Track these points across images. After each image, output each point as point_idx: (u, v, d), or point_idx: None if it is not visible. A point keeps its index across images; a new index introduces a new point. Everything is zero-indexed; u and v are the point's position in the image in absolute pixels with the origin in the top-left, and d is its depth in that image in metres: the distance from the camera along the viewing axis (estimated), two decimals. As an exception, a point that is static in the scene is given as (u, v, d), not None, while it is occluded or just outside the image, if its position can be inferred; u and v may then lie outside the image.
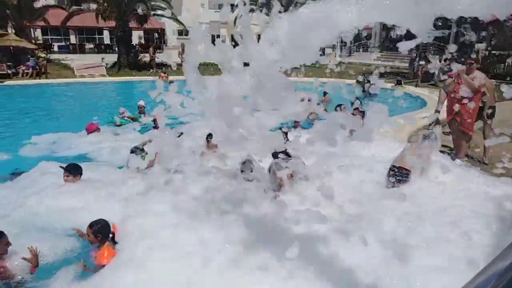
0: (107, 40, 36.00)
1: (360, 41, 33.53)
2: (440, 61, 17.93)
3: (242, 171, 4.72)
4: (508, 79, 16.31)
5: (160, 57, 23.14)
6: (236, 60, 2.92)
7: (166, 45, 35.76)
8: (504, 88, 4.08)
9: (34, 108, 12.32)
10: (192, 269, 3.31)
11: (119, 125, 9.37)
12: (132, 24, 23.32)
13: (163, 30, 37.15)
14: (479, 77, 6.19)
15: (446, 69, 9.74)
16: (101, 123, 8.81)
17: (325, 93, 13.05)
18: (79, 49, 31.98)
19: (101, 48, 33.27)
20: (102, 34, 36.50)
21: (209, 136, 6.29)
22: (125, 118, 9.78)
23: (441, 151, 5.63)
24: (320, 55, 2.62)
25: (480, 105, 6.56)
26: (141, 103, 10.31)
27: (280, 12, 2.70)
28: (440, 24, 2.00)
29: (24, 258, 3.48)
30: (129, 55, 22.72)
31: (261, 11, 27.12)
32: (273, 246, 3.47)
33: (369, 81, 14.36)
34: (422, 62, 18.59)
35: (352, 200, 4.49)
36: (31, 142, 7.79)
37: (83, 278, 3.39)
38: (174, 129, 4.35)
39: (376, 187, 4.94)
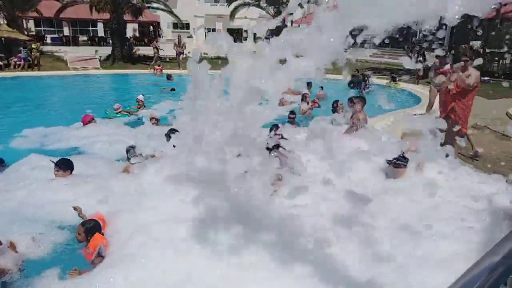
0: (101, 33, 35.65)
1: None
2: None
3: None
4: (502, 77, 16.41)
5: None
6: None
7: (161, 38, 35.47)
8: (506, 84, 4.11)
9: (26, 101, 12.16)
10: (187, 267, 3.28)
11: (111, 118, 9.31)
12: (127, 16, 23.08)
13: (158, 23, 36.87)
14: (474, 75, 6.21)
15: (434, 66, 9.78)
16: (95, 117, 8.74)
17: (320, 87, 13.05)
18: (73, 41, 31.64)
19: (95, 41, 32.95)
20: (96, 26, 36.13)
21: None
22: (123, 112, 9.71)
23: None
24: None
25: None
26: (140, 97, 10.32)
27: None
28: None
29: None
30: (123, 48, 22.50)
31: (258, 6, 27.10)
32: (270, 242, 3.46)
33: (364, 76, 14.38)
34: (420, 59, 18.62)
35: (346, 196, 4.50)
36: (22, 135, 7.70)
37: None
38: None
39: (370, 183, 4.95)
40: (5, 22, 21.74)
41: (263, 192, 4.44)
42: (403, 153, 5.12)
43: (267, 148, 4.91)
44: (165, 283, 3.15)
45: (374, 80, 15.75)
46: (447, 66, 9.08)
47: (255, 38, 2.86)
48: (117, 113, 9.62)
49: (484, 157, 6.54)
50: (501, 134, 8.02)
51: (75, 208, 4.03)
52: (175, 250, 3.45)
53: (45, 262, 3.60)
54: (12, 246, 3.53)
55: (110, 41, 24.19)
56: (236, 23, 33.67)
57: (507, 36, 18.29)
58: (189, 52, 22.29)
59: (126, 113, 9.80)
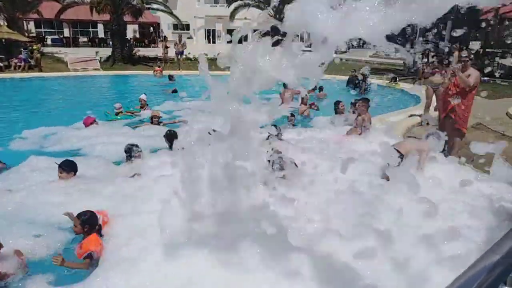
0: (101, 34, 35.67)
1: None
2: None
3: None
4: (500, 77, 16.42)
5: (155, 51, 23.02)
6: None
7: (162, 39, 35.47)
8: None
9: (26, 102, 12.17)
10: (188, 271, 3.25)
11: (111, 121, 9.32)
12: (127, 17, 23.11)
13: (158, 24, 36.89)
14: (474, 74, 6.22)
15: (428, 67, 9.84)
16: (96, 118, 8.74)
17: (320, 88, 13.05)
18: (73, 42, 31.65)
19: (95, 42, 32.97)
20: (96, 27, 36.15)
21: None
22: (125, 114, 9.72)
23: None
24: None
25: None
26: (143, 97, 10.28)
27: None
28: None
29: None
30: (124, 49, 22.51)
31: (258, 7, 27.08)
32: (271, 245, 3.42)
33: (363, 76, 14.39)
34: (425, 60, 18.60)
35: (347, 196, 4.50)
36: (22, 136, 7.70)
37: (71, 279, 3.33)
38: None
39: (371, 183, 4.96)
40: (6, 23, 21.76)
41: (264, 194, 4.43)
42: (397, 150, 5.14)
43: (268, 161, 4.86)
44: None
45: (373, 80, 15.77)
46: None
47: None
48: (117, 114, 9.61)
49: (484, 157, 6.54)
50: (501, 134, 8.03)
51: (67, 214, 3.98)
52: (176, 254, 3.42)
53: (44, 264, 3.58)
54: (18, 252, 3.49)
55: (111, 42, 24.20)
56: (236, 24, 33.70)
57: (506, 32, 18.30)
58: (189, 53, 22.36)
59: (128, 114, 9.80)
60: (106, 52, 23.49)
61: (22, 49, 19.05)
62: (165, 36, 21.97)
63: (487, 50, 18.71)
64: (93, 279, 3.24)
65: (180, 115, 9.92)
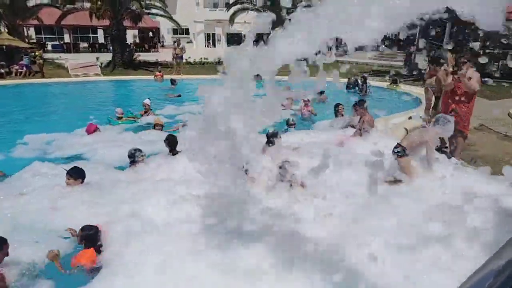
0: (101, 39, 35.82)
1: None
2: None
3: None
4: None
5: (155, 56, 23.03)
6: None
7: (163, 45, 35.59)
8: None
9: (28, 108, 12.19)
10: (190, 275, 3.24)
11: (114, 125, 9.32)
12: (127, 23, 23.18)
13: (158, 29, 37.03)
14: (475, 77, 6.21)
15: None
16: (99, 124, 8.75)
17: (321, 92, 13.01)
18: (73, 48, 31.80)
19: (95, 47, 33.11)
20: (96, 33, 36.29)
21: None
22: (128, 119, 9.72)
23: (437, 150, 5.67)
24: (316, 54, 2.63)
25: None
26: (147, 101, 10.27)
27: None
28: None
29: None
30: (124, 54, 22.57)
31: (257, 10, 27.18)
32: (274, 248, 3.43)
33: (364, 79, 14.38)
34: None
35: (351, 198, 4.49)
36: (24, 142, 7.71)
37: (74, 285, 3.30)
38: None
39: (373, 184, 4.94)
40: (6, 30, 21.85)
41: (266, 197, 4.44)
42: (399, 144, 5.23)
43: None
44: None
45: (373, 82, 15.77)
46: (442, 68, 9.10)
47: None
48: (119, 118, 9.61)
49: (487, 158, 6.53)
50: (503, 135, 8.01)
51: (70, 230, 3.97)
52: (178, 257, 3.43)
53: (47, 270, 3.57)
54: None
55: (111, 48, 24.27)
56: (236, 28, 33.78)
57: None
58: (189, 57, 22.41)
59: (130, 119, 9.80)
60: (106, 57, 23.56)
61: (23, 55, 19.10)
62: (175, 41, 21.97)
63: (487, 51, 18.70)
64: (96, 284, 3.23)
65: (182, 120, 9.92)
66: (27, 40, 24.81)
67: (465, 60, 6.39)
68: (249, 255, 3.41)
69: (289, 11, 2.97)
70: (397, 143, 5.33)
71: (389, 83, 16.41)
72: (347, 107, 9.05)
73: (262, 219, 3.87)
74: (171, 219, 4.13)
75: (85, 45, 34.79)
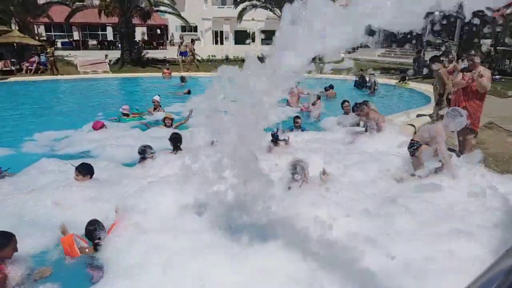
0: (110, 37, 36.05)
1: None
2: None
3: None
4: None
5: (164, 54, 23.09)
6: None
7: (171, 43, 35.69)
8: None
9: (37, 105, 12.33)
10: (197, 275, 3.20)
11: (124, 122, 9.37)
12: (135, 20, 23.27)
13: (166, 26, 37.13)
14: (486, 75, 6.14)
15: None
16: (105, 119, 8.82)
17: (331, 87, 12.94)
18: (82, 45, 32.06)
19: (104, 45, 33.33)
20: (105, 30, 36.52)
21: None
22: (134, 115, 9.77)
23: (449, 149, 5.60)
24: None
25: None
26: (156, 98, 10.31)
27: None
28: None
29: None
30: (132, 51, 22.69)
31: (265, 7, 27.10)
32: (281, 248, 3.40)
33: (374, 75, 14.27)
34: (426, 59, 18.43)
35: (362, 196, 4.47)
36: (33, 139, 7.80)
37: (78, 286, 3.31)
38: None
39: (385, 183, 4.92)
40: (17, 28, 22.09)
41: (272, 198, 4.38)
42: (413, 140, 5.19)
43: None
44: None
45: (381, 80, 15.64)
46: (451, 65, 9.01)
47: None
48: (125, 115, 9.62)
49: (497, 157, 6.45)
50: (514, 133, 7.90)
51: (62, 227, 3.99)
52: (185, 257, 3.39)
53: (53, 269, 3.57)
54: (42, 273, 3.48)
55: (119, 45, 24.41)
56: (244, 25, 33.75)
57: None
58: (197, 54, 22.42)
59: (137, 115, 9.83)
60: (115, 54, 23.70)
61: (39, 53, 19.17)
62: (192, 39, 22.08)
63: (497, 48, 18.43)
64: (101, 286, 3.22)
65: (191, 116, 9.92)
66: (37, 38, 25.06)
67: (473, 58, 6.31)
68: (257, 254, 3.38)
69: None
70: (411, 140, 5.27)
71: (397, 80, 16.28)
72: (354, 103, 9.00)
73: (270, 217, 3.83)
74: (177, 217, 4.07)
75: (94, 42, 35.03)
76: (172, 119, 8.65)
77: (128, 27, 22.36)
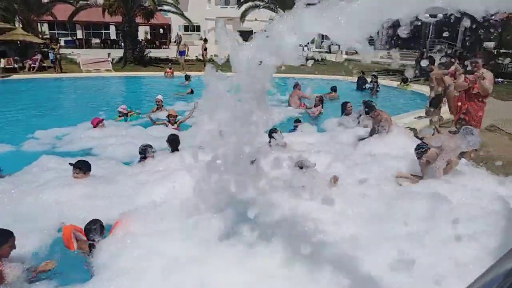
0: (113, 35, 36.08)
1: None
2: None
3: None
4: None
5: (166, 53, 23.12)
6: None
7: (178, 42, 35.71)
8: None
9: (39, 103, 12.36)
10: (198, 277, 3.17)
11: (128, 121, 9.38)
12: (139, 19, 23.32)
13: (169, 25, 37.15)
14: (488, 77, 6.13)
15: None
16: (106, 118, 8.82)
17: (333, 89, 12.91)
18: (86, 44, 32.09)
19: (107, 43, 33.37)
20: (108, 29, 36.56)
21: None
22: (133, 114, 9.78)
23: None
24: (326, 52, 2.62)
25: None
26: (159, 97, 10.40)
27: None
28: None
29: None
30: (135, 50, 22.74)
31: (268, 8, 27.10)
32: (282, 251, 3.37)
33: (376, 77, 14.25)
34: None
35: (365, 199, 4.45)
36: (35, 137, 7.81)
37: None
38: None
39: (388, 185, 4.90)
40: (21, 25, 22.15)
41: (285, 198, 4.35)
42: (422, 142, 5.17)
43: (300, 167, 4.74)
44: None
45: (383, 81, 15.61)
46: (452, 68, 9.01)
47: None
48: (126, 115, 9.60)
49: (498, 160, 6.43)
50: (516, 136, 7.87)
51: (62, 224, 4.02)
52: (184, 258, 3.38)
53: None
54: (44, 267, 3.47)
55: (122, 44, 24.45)
56: (247, 25, 33.74)
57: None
58: (199, 53, 22.44)
59: (134, 114, 9.82)
60: (118, 53, 23.74)
61: (48, 51, 19.14)
62: (205, 38, 22.19)
63: (501, 50, 18.40)
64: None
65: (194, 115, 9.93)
66: (40, 36, 25.12)
67: (477, 60, 6.31)
68: (257, 257, 3.37)
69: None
70: (418, 144, 5.21)
71: (399, 82, 16.26)
72: (357, 105, 8.99)
73: (271, 219, 3.81)
74: (176, 219, 4.02)
75: (97, 41, 35.06)
76: (176, 116, 8.68)
77: (131, 26, 22.41)
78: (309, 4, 2.48)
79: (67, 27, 34.35)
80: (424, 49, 21.65)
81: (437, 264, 3.24)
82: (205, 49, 21.78)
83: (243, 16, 27.53)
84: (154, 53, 24.91)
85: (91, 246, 3.67)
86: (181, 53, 20.94)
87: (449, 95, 8.76)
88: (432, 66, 7.62)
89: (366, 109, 6.94)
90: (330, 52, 28.02)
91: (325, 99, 11.34)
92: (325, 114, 10.32)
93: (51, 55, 18.65)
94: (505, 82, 15.80)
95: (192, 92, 13.22)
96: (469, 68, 7.34)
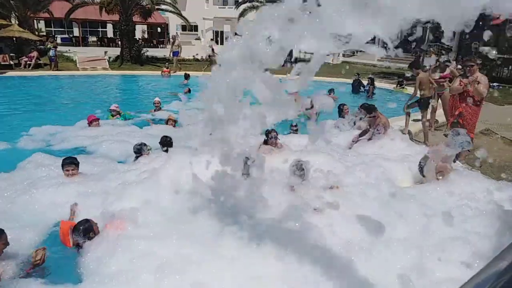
0: (110, 34, 35.96)
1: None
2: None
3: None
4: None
5: (163, 52, 23.08)
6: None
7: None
8: None
9: (34, 100, 12.28)
10: (194, 280, 3.15)
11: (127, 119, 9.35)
12: (136, 18, 23.24)
13: (166, 25, 37.07)
14: (483, 82, 6.18)
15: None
16: (101, 117, 8.79)
17: (331, 91, 12.91)
18: (82, 42, 31.95)
19: (104, 42, 33.23)
20: (105, 27, 36.44)
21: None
22: (128, 113, 9.73)
23: None
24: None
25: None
26: (157, 99, 10.53)
27: None
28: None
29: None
30: (132, 49, 22.67)
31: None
32: (280, 254, 3.37)
33: (371, 80, 14.28)
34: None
35: (362, 202, 4.46)
36: (29, 134, 7.75)
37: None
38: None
39: (385, 187, 4.92)
40: (17, 22, 22.01)
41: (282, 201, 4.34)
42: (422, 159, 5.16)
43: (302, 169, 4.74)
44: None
45: (380, 84, 15.65)
46: (447, 71, 9.06)
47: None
48: (118, 114, 9.50)
49: (493, 164, 6.48)
50: (510, 140, 7.94)
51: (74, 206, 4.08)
52: (179, 260, 3.34)
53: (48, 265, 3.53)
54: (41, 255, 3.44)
55: (119, 42, 24.38)
56: (244, 26, 33.71)
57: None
58: (197, 54, 22.41)
59: (128, 113, 9.77)
60: (114, 52, 23.66)
61: (49, 47, 18.97)
62: (212, 38, 22.31)
63: (497, 55, 18.52)
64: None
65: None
66: (37, 33, 24.97)
67: (472, 64, 6.34)
68: (252, 260, 3.36)
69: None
70: (420, 163, 5.22)
71: (395, 85, 16.34)
72: (353, 106, 9.02)
73: (266, 222, 3.80)
74: (169, 221, 4.01)
75: (94, 39, 34.92)
76: (175, 121, 8.66)
77: (128, 24, 22.34)
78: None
79: (64, 24, 34.18)
80: (421, 53, 21.74)
81: (428, 266, 3.25)
82: (212, 50, 21.80)
83: (240, 17, 27.54)
84: (151, 52, 24.85)
85: (78, 246, 3.66)
86: (174, 53, 20.97)
87: (445, 99, 8.81)
88: (418, 71, 7.76)
89: (367, 110, 7.00)
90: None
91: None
92: (322, 116, 10.32)
93: (51, 52, 18.50)
94: (501, 87, 15.92)
95: (189, 91, 13.18)
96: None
